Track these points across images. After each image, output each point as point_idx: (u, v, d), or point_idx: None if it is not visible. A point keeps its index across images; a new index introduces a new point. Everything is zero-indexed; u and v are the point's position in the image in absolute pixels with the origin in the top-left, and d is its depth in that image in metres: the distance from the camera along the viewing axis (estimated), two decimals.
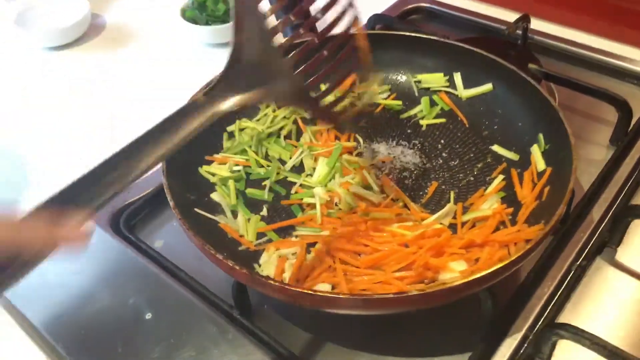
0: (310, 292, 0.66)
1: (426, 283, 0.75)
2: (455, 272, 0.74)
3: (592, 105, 1.13)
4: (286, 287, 0.66)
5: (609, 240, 0.91)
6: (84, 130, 1.21)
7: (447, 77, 1.08)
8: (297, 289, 0.65)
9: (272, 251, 0.82)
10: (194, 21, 1.40)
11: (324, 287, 0.75)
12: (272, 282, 0.67)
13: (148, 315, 0.82)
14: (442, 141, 1.02)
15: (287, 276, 0.78)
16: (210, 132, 0.78)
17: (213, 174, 0.93)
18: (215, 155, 0.97)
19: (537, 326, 0.79)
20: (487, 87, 1.04)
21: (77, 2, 1.48)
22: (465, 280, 0.65)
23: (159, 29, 1.51)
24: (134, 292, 0.86)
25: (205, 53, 1.42)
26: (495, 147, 0.98)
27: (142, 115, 1.20)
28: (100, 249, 0.92)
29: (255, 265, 0.82)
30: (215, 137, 1.00)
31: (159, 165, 1.02)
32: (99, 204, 0.49)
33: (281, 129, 1.02)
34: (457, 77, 1.07)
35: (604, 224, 0.92)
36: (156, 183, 1.01)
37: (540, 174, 0.89)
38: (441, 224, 0.84)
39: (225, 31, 1.38)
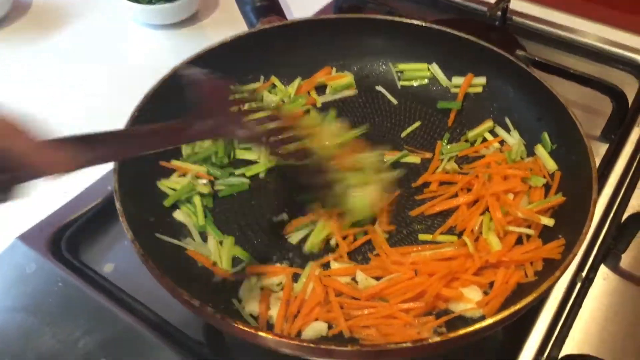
0: (311, 345, 0.55)
1: (435, 314, 0.66)
2: (470, 302, 0.65)
3: (581, 94, 1.05)
4: (284, 339, 0.56)
5: (613, 247, 0.84)
6: None
7: (429, 67, 0.98)
8: (295, 342, 0.55)
9: (254, 282, 0.70)
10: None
11: (319, 327, 0.64)
12: (265, 334, 0.56)
13: None
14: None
15: (274, 314, 0.67)
16: None
17: (174, 189, 0.79)
18: (174, 162, 0.82)
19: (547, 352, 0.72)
20: (480, 80, 0.94)
21: None
22: (491, 321, 0.56)
23: (94, 6, 1.32)
24: (83, 333, 0.72)
25: (149, 36, 1.25)
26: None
27: (71, 113, 1.04)
28: (39, 279, 0.77)
29: (235, 302, 0.69)
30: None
31: (103, 174, 0.89)
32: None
33: None
34: (434, 68, 0.97)
35: (605, 230, 0.85)
36: (101, 194, 0.87)
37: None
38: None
39: (171, 11, 1.22)
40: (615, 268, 0.82)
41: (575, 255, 0.63)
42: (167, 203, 0.78)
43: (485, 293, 0.67)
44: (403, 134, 0.91)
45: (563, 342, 0.73)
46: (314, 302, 0.66)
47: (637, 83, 1.13)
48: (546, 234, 0.73)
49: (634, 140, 0.99)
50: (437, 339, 0.55)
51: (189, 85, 0.67)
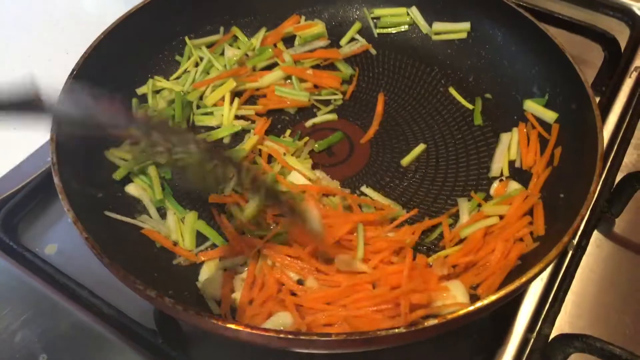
0: (289, 336, 0.47)
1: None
2: (452, 298, 0.58)
3: (568, 43, 0.96)
4: (254, 331, 0.48)
5: (607, 211, 0.77)
6: None
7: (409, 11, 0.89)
8: (270, 334, 0.47)
9: (216, 263, 0.63)
10: None
11: (284, 318, 0.57)
12: (236, 326, 0.48)
13: (43, 358, 0.62)
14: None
15: (237, 296, 0.60)
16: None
17: (125, 160, 0.70)
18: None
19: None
20: (464, 26, 0.85)
21: None
22: (495, 298, 0.51)
23: None
24: (21, 325, 0.65)
25: None
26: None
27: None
28: None
29: (198, 284, 0.62)
30: (123, 105, 0.75)
31: (41, 144, 0.79)
32: None
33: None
34: (414, 12, 0.88)
35: (598, 191, 0.78)
36: (40, 167, 0.77)
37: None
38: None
39: None
40: (609, 234, 0.76)
41: (583, 217, 0.57)
42: (117, 176, 0.70)
43: (472, 288, 0.61)
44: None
45: (555, 317, 0.67)
46: (267, 294, 0.59)
47: (627, 30, 1.04)
48: (546, 195, 0.67)
49: (626, 92, 0.91)
50: (433, 321, 0.49)
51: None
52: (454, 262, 0.62)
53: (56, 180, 0.57)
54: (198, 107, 0.79)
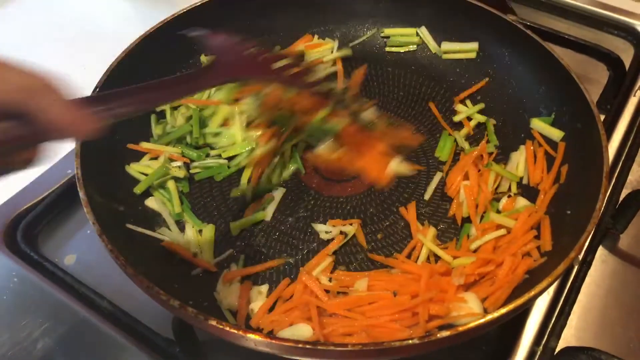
0: (307, 346, 0.49)
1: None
2: (470, 308, 0.59)
3: (574, 62, 0.98)
4: (273, 341, 0.50)
5: (611, 227, 0.79)
6: None
7: (417, 32, 0.91)
8: (290, 344, 0.49)
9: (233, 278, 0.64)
10: None
11: (305, 330, 0.58)
12: (256, 336, 0.50)
13: None
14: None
15: (255, 308, 0.62)
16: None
17: (145, 174, 0.72)
18: (144, 144, 0.75)
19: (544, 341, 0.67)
20: (472, 46, 0.87)
21: None
22: (504, 311, 0.52)
23: None
24: (42, 333, 0.67)
25: (114, 2, 1.17)
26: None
27: None
28: None
29: (215, 295, 0.64)
30: (142, 121, 0.78)
31: (61, 156, 0.82)
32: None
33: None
34: (423, 32, 0.90)
35: (602, 210, 0.80)
36: (60, 179, 0.80)
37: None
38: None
39: None
40: (614, 249, 0.77)
41: (590, 233, 0.58)
42: (138, 190, 0.72)
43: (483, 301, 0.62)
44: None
45: (561, 331, 0.69)
46: (294, 304, 0.61)
47: (632, 49, 1.06)
48: (553, 211, 0.69)
49: (630, 110, 0.93)
50: (446, 333, 0.50)
51: (200, 44, 0.65)
52: (470, 273, 0.64)
53: (81, 194, 0.59)
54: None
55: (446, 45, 0.89)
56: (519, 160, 0.77)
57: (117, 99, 0.50)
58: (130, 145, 0.74)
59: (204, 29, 0.65)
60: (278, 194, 0.74)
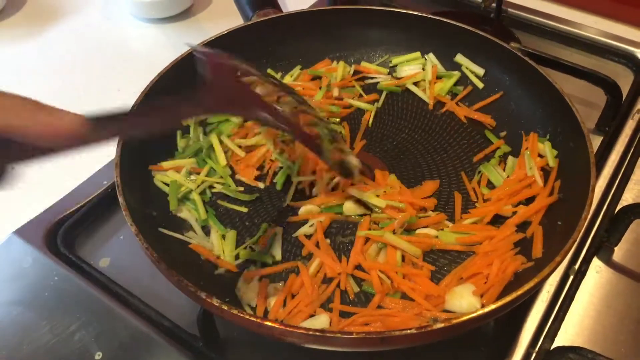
0: (316, 333, 0.55)
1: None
2: (466, 298, 0.65)
3: (576, 87, 1.05)
4: (287, 329, 0.55)
5: (606, 240, 0.84)
6: None
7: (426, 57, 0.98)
8: (300, 331, 0.55)
9: (252, 277, 0.71)
10: None
11: (323, 320, 0.65)
12: (271, 323, 0.56)
13: (98, 355, 0.70)
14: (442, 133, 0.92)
15: (272, 302, 0.68)
16: None
17: (167, 184, 0.79)
18: (163, 164, 0.81)
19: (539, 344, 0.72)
20: (478, 70, 0.95)
21: None
22: (494, 307, 0.57)
23: (90, 1, 1.31)
24: (79, 327, 0.73)
25: (145, 30, 1.25)
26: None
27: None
28: (35, 273, 0.78)
29: (236, 291, 0.70)
30: (172, 136, 0.85)
31: (98, 168, 0.90)
32: None
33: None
34: (431, 58, 0.98)
35: (598, 222, 0.85)
36: (97, 188, 0.87)
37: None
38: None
39: (166, 4, 1.22)
40: (608, 261, 0.82)
41: (575, 240, 0.63)
42: (172, 207, 0.77)
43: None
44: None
45: (555, 334, 0.73)
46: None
47: (632, 75, 1.12)
48: (545, 222, 0.75)
49: (628, 133, 0.99)
50: (440, 325, 0.55)
51: (198, 60, 0.64)
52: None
53: (120, 199, 0.66)
54: None
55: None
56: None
57: (105, 121, 0.50)
58: (152, 167, 0.80)
59: (207, 48, 0.69)
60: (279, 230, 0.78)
